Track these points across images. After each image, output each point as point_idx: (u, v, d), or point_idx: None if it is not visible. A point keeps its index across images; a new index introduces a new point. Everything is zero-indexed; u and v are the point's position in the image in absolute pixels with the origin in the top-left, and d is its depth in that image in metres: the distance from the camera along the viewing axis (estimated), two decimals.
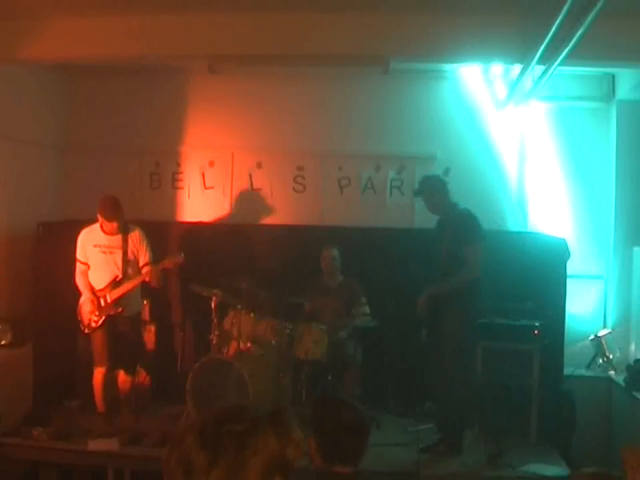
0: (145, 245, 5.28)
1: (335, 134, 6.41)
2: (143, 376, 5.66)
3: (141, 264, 5.25)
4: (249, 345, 5.30)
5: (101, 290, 5.18)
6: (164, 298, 6.05)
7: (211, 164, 6.56)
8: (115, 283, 5.16)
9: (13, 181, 5.80)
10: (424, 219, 6.27)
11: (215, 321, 5.36)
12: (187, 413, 5.00)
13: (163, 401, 5.54)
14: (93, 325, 5.16)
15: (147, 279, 5.22)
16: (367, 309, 5.56)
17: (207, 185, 6.56)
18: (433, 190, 4.97)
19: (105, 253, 5.20)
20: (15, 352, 5.40)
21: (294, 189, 6.47)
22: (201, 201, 6.55)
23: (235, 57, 5.26)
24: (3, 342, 5.41)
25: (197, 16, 4.91)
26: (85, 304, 5.22)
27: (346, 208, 6.40)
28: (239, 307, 5.30)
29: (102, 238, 5.21)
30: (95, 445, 4.66)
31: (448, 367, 4.72)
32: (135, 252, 5.24)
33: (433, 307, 4.80)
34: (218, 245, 6.10)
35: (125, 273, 5.19)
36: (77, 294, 5.32)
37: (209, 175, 6.55)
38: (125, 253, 5.20)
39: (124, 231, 5.21)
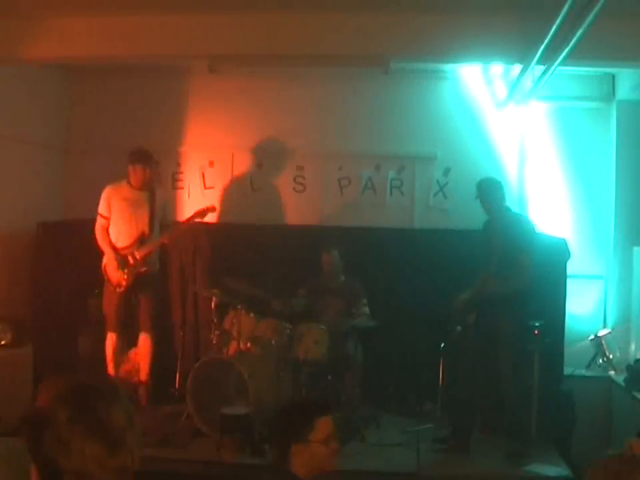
0: (169, 204, 5.40)
1: (334, 134, 6.41)
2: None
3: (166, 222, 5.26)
4: (248, 344, 5.30)
5: (127, 247, 5.11)
6: (164, 298, 6.04)
7: (211, 164, 6.56)
8: (142, 239, 5.10)
9: (13, 181, 5.80)
10: (424, 219, 6.32)
11: (215, 320, 5.36)
12: (187, 413, 4.99)
13: (163, 401, 5.53)
14: (123, 283, 5.10)
15: (173, 235, 5.24)
16: (367, 309, 5.56)
17: (207, 185, 6.56)
18: (490, 191, 4.92)
19: (132, 207, 5.15)
20: (15, 352, 5.40)
21: (294, 189, 6.47)
22: (201, 201, 6.54)
23: (235, 56, 5.26)
24: (2, 342, 5.41)
25: (197, 16, 4.91)
26: (110, 262, 5.13)
27: (346, 208, 6.40)
28: (239, 307, 5.30)
29: (129, 192, 5.19)
30: None
31: (503, 370, 4.72)
32: (162, 208, 5.25)
33: (473, 308, 4.80)
34: (218, 244, 6.10)
35: (152, 228, 5.14)
36: (77, 294, 5.34)
37: (208, 175, 6.56)
38: (152, 209, 5.16)
39: (151, 185, 5.22)
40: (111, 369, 5.27)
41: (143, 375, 5.38)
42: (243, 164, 6.54)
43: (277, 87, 6.39)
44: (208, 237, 6.16)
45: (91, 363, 5.67)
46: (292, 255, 5.91)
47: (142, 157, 5.19)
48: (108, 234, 5.20)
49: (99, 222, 5.22)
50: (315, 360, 5.16)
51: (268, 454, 3.11)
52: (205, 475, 4.44)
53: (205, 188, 6.56)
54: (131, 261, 5.10)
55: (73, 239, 5.75)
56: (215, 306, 5.37)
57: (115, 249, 5.16)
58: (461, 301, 4.90)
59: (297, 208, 6.46)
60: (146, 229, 5.13)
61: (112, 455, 1.41)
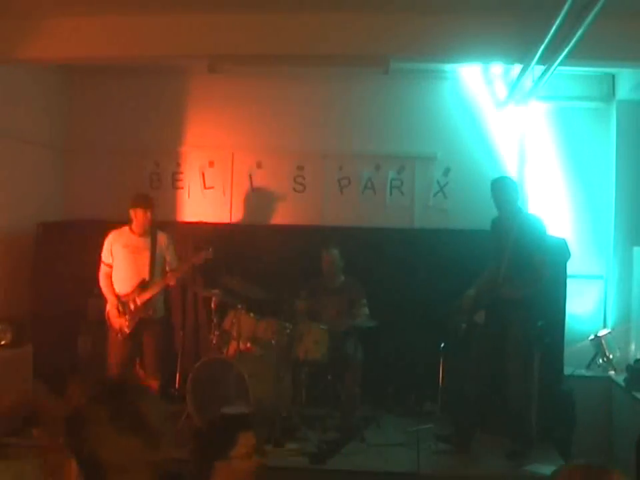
0: (171, 248, 5.33)
1: (335, 134, 6.42)
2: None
3: (168, 267, 5.26)
4: (248, 344, 5.30)
5: (128, 293, 5.15)
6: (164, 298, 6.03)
7: (211, 164, 6.56)
8: (143, 285, 5.14)
9: (13, 180, 5.80)
10: (424, 219, 6.32)
11: (215, 320, 5.36)
12: (187, 412, 4.99)
13: (163, 401, 5.52)
14: (125, 329, 5.13)
15: (173, 282, 5.24)
16: (365, 310, 5.55)
17: (207, 185, 6.56)
18: (504, 190, 4.87)
19: (133, 253, 5.18)
20: (15, 352, 5.40)
21: (294, 189, 6.47)
22: (200, 201, 6.55)
23: (235, 57, 5.26)
24: (2, 342, 5.40)
25: (197, 16, 4.91)
26: (113, 309, 5.19)
27: (346, 208, 6.40)
28: (239, 306, 5.30)
29: (131, 238, 5.21)
30: None
31: (512, 371, 4.71)
32: (163, 254, 5.25)
33: (482, 306, 4.80)
34: (218, 245, 6.09)
35: (152, 274, 5.18)
36: (77, 294, 5.34)
37: (209, 174, 6.56)
38: (152, 254, 5.19)
39: (153, 231, 5.23)
40: None
41: None
42: (243, 164, 6.54)
43: (277, 87, 6.39)
44: (208, 237, 6.16)
45: (90, 363, 5.68)
46: (292, 255, 5.91)
47: (142, 200, 5.19)
48: (111, 281, 5.24)
49: (103, 269, 5.26)
50: (315, 360, 5.16)
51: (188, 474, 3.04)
52: None
53: (205, 188, 6.56)
54: (132, 306, 5.12)
55: (73, 239, 5.75)
56: (215, 306, 5.37)
57: (116, 296, 5.19)
58: (469, 297, 4.87)
59: (297, 208, 6.46)
60: (146, 275, 5.16)
61: (150, 451, 1.48)
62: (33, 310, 5.89)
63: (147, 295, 5.13)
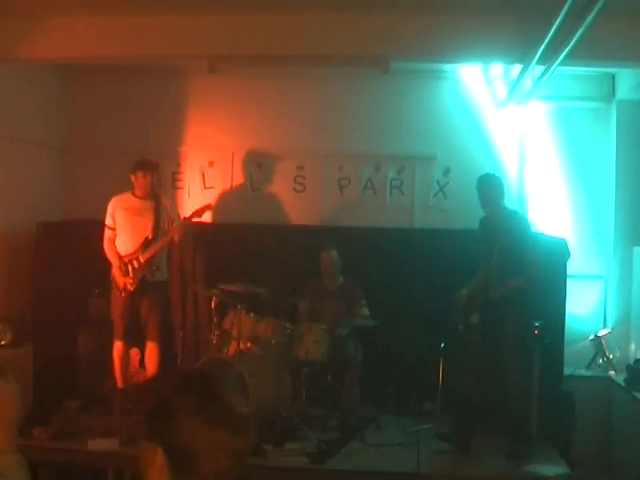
0: (175, 208, 5.46)
1: (335, 134, 6.41)
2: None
3: (170, 223, 5.35)
4: (248, 344, 5.30)
5: (131, 253, 5.23)
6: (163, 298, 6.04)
7: (211, 164, 6.56)
8: (147, 244, 5.21)
9: (12, 181, 5.80)
10: (424, 219, 6.32)
11: (215, 320, 5.37)
12: None
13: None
14: (129, 287, 5.22)
15: (176, 235, 5.31)
16: (365, 310, 5.55)
17: (207, 185, 6.56)
18: (491, 187, 4.90)
19: (135, 215, 5.27)
20: (15, 352, 5.40)
21: (294, 189, 6.47)
22: (201, 201, 6.54)
23: (235, 57, 5.27)
24: (2, 342, 5.41)
25: (197, 16, 4.91)
26: (117, 271, 5.27)
27: (346, 208, 6.40)
28: (239, 307, 5.30)
29: (134, 201, 5.32)
30: (95, 444, 4.66)
31: (508, 370, 4.72)
32: (166, 215, 5.34)
33: (475, 306, 4.81)
34: (218, 244, 6.10)
35: (155, 234, 5.24)
36: (77, 294, 5.34)
37: (208, 175, 6.56)
38: (156, 216, 5.28)
39: (155, 193, 5.33)
40: (119, 379, 5.29)
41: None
42: (243, 164, 6.54)
43: (277, 87, 6.39)
44: (208, 237, 6.16)
45: (91, 362, 5.68)
46: (292, 255, 5.91)
47: (143, 164, 5.32)
48: (114, 245, 5.33)
49: (106, 234, 5.35)
50: (315, 360, 5.17)
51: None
52: None
53: (205, 188, 6.56)
54: (136, 264, 5.21)
55: (73, 239, 5.75)
56: (215, 306, 5.38)
57: (120, 258, 5.28)
58: (462, 297, 4.89)
59: (296, 208, 6.46)
60: (149, 235, 5.26)
61: (235, 439, 1.53)
62: (33, 310, 5.89)
63: (150, 252, 5.22)
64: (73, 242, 5.68)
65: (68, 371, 5.83)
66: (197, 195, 6.56)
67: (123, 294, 5.25)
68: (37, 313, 5.87)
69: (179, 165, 6.59)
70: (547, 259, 5.52)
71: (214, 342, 5.35)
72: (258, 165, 6.51)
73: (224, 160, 6.54)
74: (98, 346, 5.56)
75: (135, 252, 5.24)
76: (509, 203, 5.19)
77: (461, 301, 4.91)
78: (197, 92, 6.54)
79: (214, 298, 5.37)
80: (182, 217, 5.59)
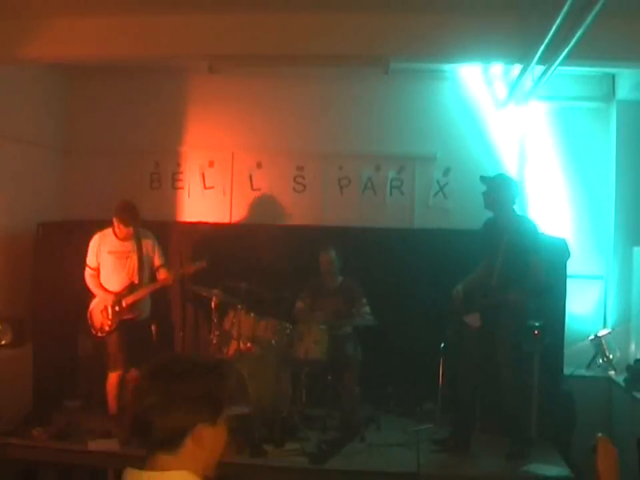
0: (157, 249, 5.32)
1: (335, 134, 6.41)
2: None
3: (156, 265, 5.28)
4: (248, 344, 5.30)
5: (116, 293, 5.14)
6: (164, 298, 6.04)
7: (211, 164, 6.56)
8: (131, 288, 5.14)
9: (13, 181, 5.80)
10: (424, 219, 6.32)
11: (215, 320, 5.37)
12: None
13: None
14: (106, 328, 5.12)
15: (165, 284, 5.26)
16: (367, 309, 5.56)
17: (207, 185, 6.56)
18: (504, 188, 4.80)
19: (120, 258, 5.17)
20: (15, 352, 5.40)
21: (294, 189, 6.47)
22: (200, 201, 6.55)
23: (235, 57, 5.27)
24: (3, 342, 5.41)
25: (197, 16, 4.91)
26: (97, 307, 5.18)
27: (346, 208, 6.40)
28: (239, 307, 5.30)
29: (116, 244, 5.20)
30: (94, 445, 4.67)
31: (504, 370, 4.70)
32: (149, 256, 5.25)
33: (476, 309, 4.80)
34: (218, 245, 6.10)
35: (140, 277, 5.18)
36: (77, 293, 5.32)
37: (208, 174, 6.56)
38: (139, 258, 5.18)
39: (137, 236, 5.21)
40: (112, 409, 5.14)
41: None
42: (242, 164, 6.54)
43: (277, 87, 6.39)
44: (208, 236, 6.17)
45: (91, 362, 5.68)
46: (292, 255, 5.91)
47: (125, 215, 5.09)
48: (99, 281, 5.21)
49: (87, 272, 5.23)
50: (315, 360, 5.17)
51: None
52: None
53: (205, 188, 6.56)
54: (117, 308, 5.11)
55: (73, 239, 5.74)
56: (215, 306, 5.37)
57: (107, 291, 5.17)
58: (458, 292, 4.87)
59: (296, 208, 6.46)
60: (135, 278, 5.16)
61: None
62: (32, 310, 5.89)
63: (134, 298, 5.13)
64: (73, 242, 5.67)
65: (68, 371, 5.84)
66: (197, 195, 6.56)
67: (99, 334, 5.14)
68: (37, 313, 5.87)
69: (178, 165, 6.59)
70: (547, 259, 5.54)
71: (214, 342, 5.35)
72: (258, 165, 6.51)
73: (224, 160, 6.54)
74: (98, 346, 5.55)
75: (118, 294, 5.13)
76: (520, 207, 5.12)
77: (457, 295, 4.87)
78: (197, 92, 6.54)
79: (214, 298, 5.36)
80: (181, 216, 5.52)
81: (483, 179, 4.90)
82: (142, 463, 1.62)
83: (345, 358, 5.31)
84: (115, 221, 5.15)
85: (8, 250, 5.78)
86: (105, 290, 5.18)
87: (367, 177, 6.40)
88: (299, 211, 6.44)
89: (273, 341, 5.26)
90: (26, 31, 5.01)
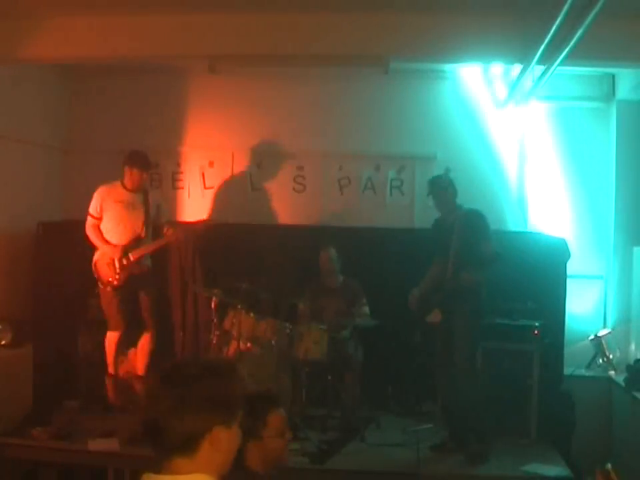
0: (163, 204, 5.35)
1: (335, 134, 6.41)
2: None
3: (162, 221, 5.29)
4: (248, 345, 5.30)
5: (122, 246, 5.10)
6: (164, 297, 6.04)
7: (211, 164, 6.56)
8: (137, 241, 5.10)
9: (13, 180, 5.80)
10: (424, 219, 6.31)
11: (215, 321, 5.36)
12: None
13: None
14: (115, 283, 5.08)
15: (171, 240, 5.26)
16: (367, 309, 5.56)
17: (207, 185, 6.56)
18: (442, 189, 4.92)
19: (127, 209, 5.14)
20: (15, 352, 5.40)
21: (294, 188, 6.47)
22: (200, 201, 6.55)
23: (235, 56, 5.27)
24: (3, 342, 5.40)
25: (197, 16, 4.91)
26: (102, 260, 5.11)
27: (346, 208, 6.40)
28: (239, 307, 5.30)
29: (124, 194, 5.18)
30: (94, 444, 4.66)
31: (458, 367, 4.70)
32: (155, 210, 5.25)
33: (434, 305, 4.80)
34: (218, 245, 6.10)
35: (146, 231, 5.15)
36: (77, 292, 5.33)
37: (208, 175, 6.56)
38: (146, 211, 5.16)
39: (145, 189, 5.23)
40: (111, 368, 5.23)
41: (140, 369, 5.35)
42: (243, 164, 6.53)
43: (277, 87, 6.38)
44: (208, 237, 6.16)
45: (91, 362, 5.68)
46: (292, 255, 5.91)
47: (140, 160, 5.17)
48: (100, 231, 5.18)
49: (89, 221, 5.20)
50: (315, 360, 5.17)
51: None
52: None
53: (205, 188, 6.56)
54: (125, 262, 5.09)
55: (73, 239, 5.74)
56: (215, 306, 5.37)
57: (108, 243, 5.15)
58: (414, 297, 4.91)
59: (297, 208, 6.45)
60: (141, 232, 5.16)
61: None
62: (33, 310, 5.89)
63: (141, 252, 5.11)
64: (73, 242, 5.67)
65: (68, 371, 5.83)
66: (197, 194, 6.56)
67: (109, 288, 5.12)
68: (37, 313, 5.87)
69: (178, 165, 6.59)
70: (546, 259, 5.55)
71: (214, 342, 5.35)
72: (258, 164, 6.51)
73: (224, 160, 6.54)
74: (98, 346, 5.55)
75: (124, 247, 5.09)
76: (470, 201, 5.15)
77: (412, 301, 4.91)
78: (197, 92, 6.54)
79: (214, 298, 5.36)
80: (181, 216, 5.55)
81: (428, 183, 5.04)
82: (155, 466, 1.61)
83: (345, 358, 5.31)
84: (126, 170, 5.16)
85: (8, 250, 5.77)
86: (109, 243, 5.13)
87: (367, 177, 6.40)
88: (299, 211, 6.44)
89: (273, 341, 5.25)
90: (26, 31, 5.01)
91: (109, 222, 5.19)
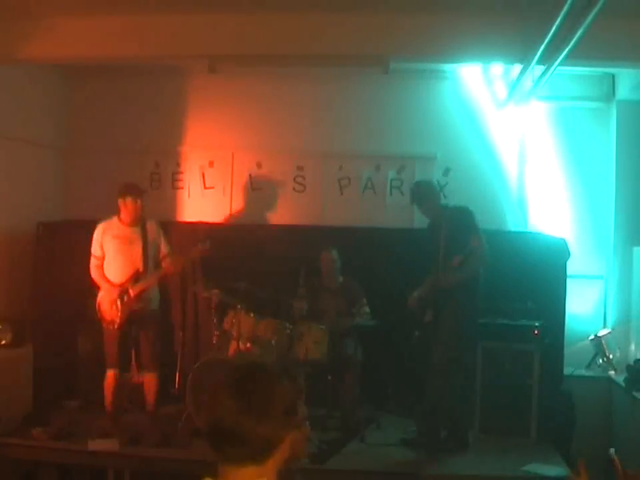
0: (162, 235, 5.23)
1: (334, 134, 6.41)
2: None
3: (162, 253, 5.18)
4: (248, 345, 5.29)
5: (122, 284, 5.03)
6: (164, 298, 6.03)
7: (211, 164, 6.56)
8: (137, 277, 5.04)
9: (13, 180, 5.80)
10: (424, 219, 6.30)
11: (215, 321, 5.36)
12: (187, 413, 4.99)
13: (163, 401, 5.52)
14: (117, 320, 5.01)
15: (170, 271, 5.18)
16: (367, 309, 5.56)
17: (207, 185, 6.56)
18: (423, 196, 5.05)
19: (125, 244, 5.07)
20: (15, 352, 5.40)
21: (294, 188, 6.47)
22: (200, 201, 6.55)
23: (235, 57, 5.26)
24: (3, 342, 5.41)
25: (197, 16, 4.91)
26: (105, 299, 5.07)
27: (346, 208, 6.40)
28: (239, 307, 5.30)
29: (121, 229, 5.10)
30: (94, 444, 4.66)
31: (448, 365, 4.72)
32: (155, 243, 5.16)
33: (430, 305, 4.83)
34: (218, 245, 6.09)
35: (146, 265, 5.08)
36: (77, 292, 5.32)
37: (208, 175, 6.56)
38: (144, 244, 5.08)
39: (142, 222, 5.13)
40: (109, 406, 5.08)
41: (150, 408, 5.22)
42: (242, 164, 6.53)
43: (277, 87, 6.39)
44: (208, 237, 6.16)
45: (90, 362, 5.68)
46: (292, 255, 5.90)
47: (131, 190, 5.06)
48: (103, 271, 5.11)
49: (93, 262, 5.13)
50: (315, 360, 5.16)
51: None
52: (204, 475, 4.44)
53: (205, 188, 6.56)
54: (125, 298, 5.01)
55: (72, 239, 5.74)
56: (215, 306, 5.37)
57: (111, 284, 5.07)
58: (413, 299, 4.97)
59: (296, 208, 6.45)
60: (140, 266, 5.04)
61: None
62: (33, 310, 5.89)
63: (140, 287, 5.03)
64: (72, 242, 5.67)
65: (68, 371, 5.83)
66: (197, 195, 6.56)
67: (111, 326, 5.03)
68: (36, 313, 5.87)
69: (178, 165, 6.59)
70: (546, 259, 5.55)
71: (214, 342, 5.35)
72: (258, 165, 6.51)
73: (224, 160, 6.54)
74: (98, 346, 5.54)
75: (124, 284, 5.02)
76: (470, 201, 5.19)
77: (411, 302, 4.98)
78: (197, 92, 6.54)
79: (214, 298, 5.36)
80: (181, 216, 5.50)
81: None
82: (212, 471, 1.61)
83: (345, 358, 5.31)
84: (120, 202, 5.07)
85: (8, 250, 5.78)
86: (109, 282, 5.07)
87: (367, 177, 6.40)
88: (299, 211, 6.44)
89: (273, 341, 5.25)
90: (26, 31, 5.01)
91: (108, 258, 5.12)
